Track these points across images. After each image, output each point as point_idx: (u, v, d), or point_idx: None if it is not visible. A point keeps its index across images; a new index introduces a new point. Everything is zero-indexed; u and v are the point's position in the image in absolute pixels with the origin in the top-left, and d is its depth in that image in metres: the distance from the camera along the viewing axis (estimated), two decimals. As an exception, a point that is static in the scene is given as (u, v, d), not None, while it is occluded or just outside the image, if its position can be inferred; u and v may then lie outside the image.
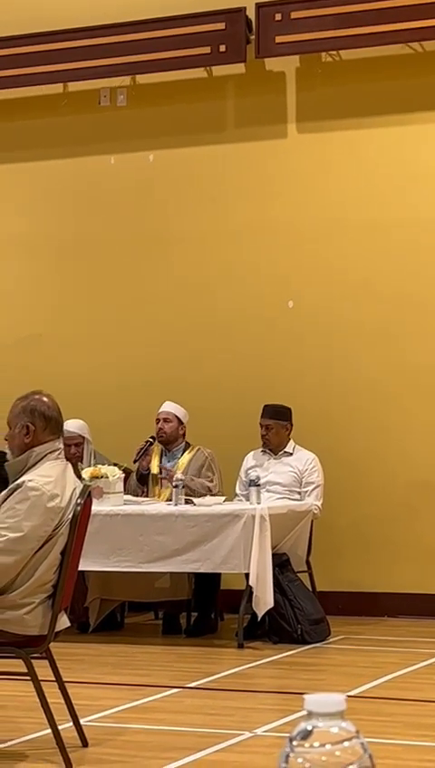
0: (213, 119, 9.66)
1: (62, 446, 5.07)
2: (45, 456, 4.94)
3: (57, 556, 4.83)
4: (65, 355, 9.87)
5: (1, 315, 10.12)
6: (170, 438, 8.75)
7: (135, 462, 8.76)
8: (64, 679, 5.04)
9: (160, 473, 8.68)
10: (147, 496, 8.69)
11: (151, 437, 8.74)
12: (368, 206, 9.22)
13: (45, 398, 5.06)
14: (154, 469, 8.77)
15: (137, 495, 8.68)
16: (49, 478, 4.84)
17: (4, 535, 4.73)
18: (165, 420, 8.78)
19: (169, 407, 8.84)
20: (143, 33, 9.54)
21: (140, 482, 8.80)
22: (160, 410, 8.83)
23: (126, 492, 8.39)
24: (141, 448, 8.70)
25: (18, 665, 4.82)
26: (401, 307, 9.13)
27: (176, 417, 8.79)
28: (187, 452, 8.73)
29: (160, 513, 7.94)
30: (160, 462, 8.78)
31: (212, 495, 8.39)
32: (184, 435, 8.82)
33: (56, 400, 5.11)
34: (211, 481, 8.57)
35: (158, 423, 8.77)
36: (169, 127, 9.74)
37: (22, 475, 4.89)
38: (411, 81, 9.15)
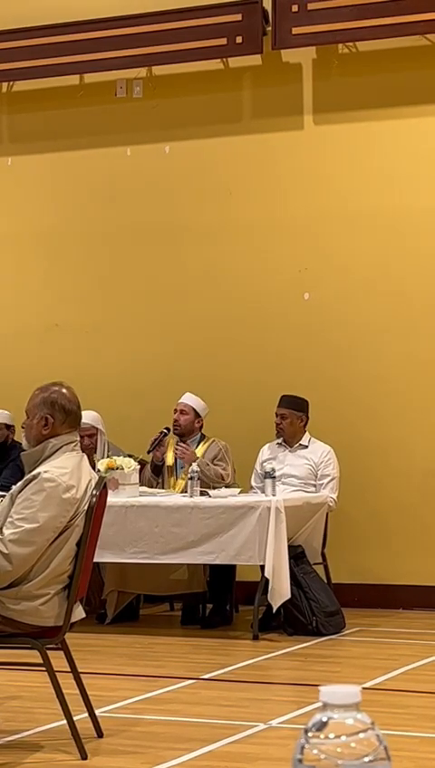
0: (229, 110, 9.64)
1: (78, 438, 5.07)
2: (62, 447, 4.94)
3: (72, 547, 4.83)
4: (81, 346, 9.87)
5: (17, 306, 10.13)
6: (184, 430, 8.73)
7: (149, 453, 8.76)
8: (80, 670, 5.04)
9: (177, 448, 8.63)
10: (162, 488, 8.69)
11: (166, 429, 8.73)
12: (384, 198, 9.20)
13: (65, 391, 5.04)
14: (169, 461, 8.77)
15: (151, 487, 8.68)
16: (65, 469, 4.84)
17: (20, 526, 4.73)
18: (181, 412, 8.77)
19: (187, 398, 8.83)
20: (160, 25, 9.54)
21: (155, 473, 8.80)
22: (179, 401, 8.82)
23: (140, 483, 8.39)
24: (155, 439, 8.70)
25: (34, 655, 4.83)
26: (417, 299, 9.11)
27: (193, 409, 8.78)
28: (201, 444, 8.73)
29: (176, 504, 7.94)
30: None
31: (225, 484, 8.39)
32: (201, 428, 8.80)
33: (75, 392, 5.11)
34: (224, 470, 8.56)
35: (175, 413, 8.77)
36: (186, 118, 9.73)
37: (37, 466, 4.89)
38: (428, 72, 9.12)
